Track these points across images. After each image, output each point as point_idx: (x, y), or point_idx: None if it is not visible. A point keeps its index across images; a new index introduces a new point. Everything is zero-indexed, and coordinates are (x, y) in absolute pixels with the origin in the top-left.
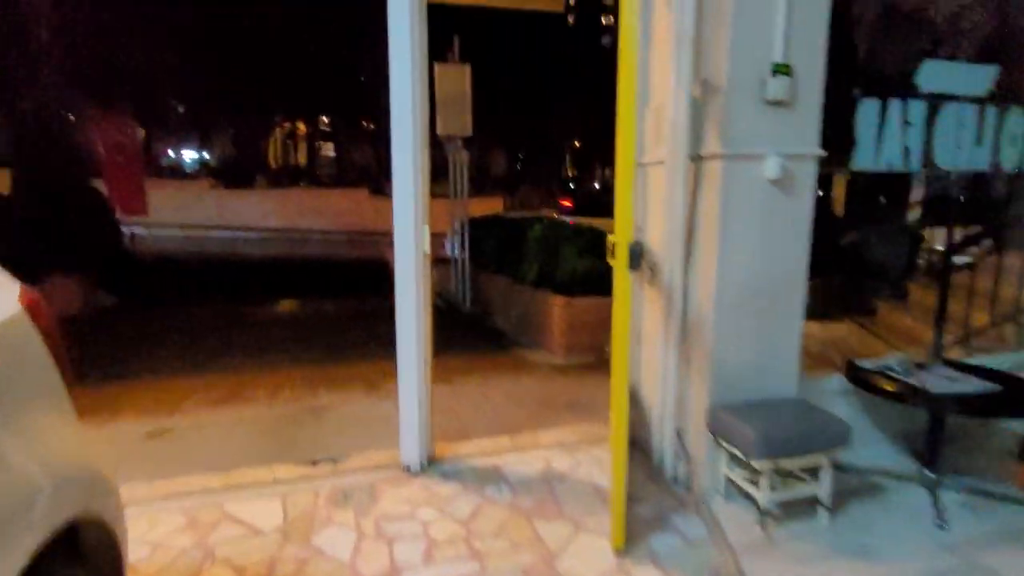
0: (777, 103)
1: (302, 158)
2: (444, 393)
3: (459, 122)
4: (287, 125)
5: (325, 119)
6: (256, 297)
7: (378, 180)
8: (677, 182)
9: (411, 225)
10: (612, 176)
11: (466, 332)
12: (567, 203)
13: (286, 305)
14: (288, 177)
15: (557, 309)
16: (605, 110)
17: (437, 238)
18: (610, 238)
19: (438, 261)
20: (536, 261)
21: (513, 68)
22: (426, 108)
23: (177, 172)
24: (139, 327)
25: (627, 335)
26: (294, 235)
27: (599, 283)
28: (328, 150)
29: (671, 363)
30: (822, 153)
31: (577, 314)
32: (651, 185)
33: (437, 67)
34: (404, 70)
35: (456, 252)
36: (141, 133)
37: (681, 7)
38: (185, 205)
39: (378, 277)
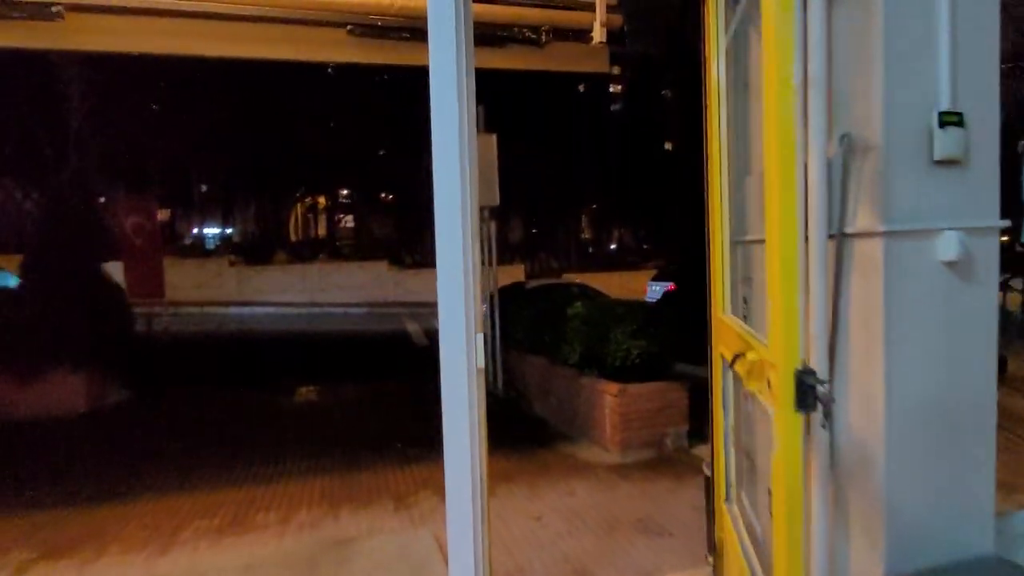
0: (948, 162)
1: (322, 231)
2: (489, 511)
3: (487, 192)
4: (307, 199)
5: (344, 192)
6: (273, 382)
7: (397, 251)
8: (816, 268)
9: (461, 336)
10: (629, 236)
11: (503, 422)
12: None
13: (304, 392)
14: (308, 250)
15: (609, 398)
16: (625, 171)
17: None
18: (750, 356)
19: None
20: (579, 341)
21: (527, 131)
22: (475, 185)
23: (197, 249)
24: (147, 427)
25: (799, 517)
26: (314, 310)
27: (656, 367)
28: (347, 222)
29: (818, 512)
30: (1004, 224)
31: (632, 403)
32: (755, 269)
33: None
34: (451, 139)
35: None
36: (161, 213)
37: (813, 47)
38: (205, 282)
39: (399, 352)
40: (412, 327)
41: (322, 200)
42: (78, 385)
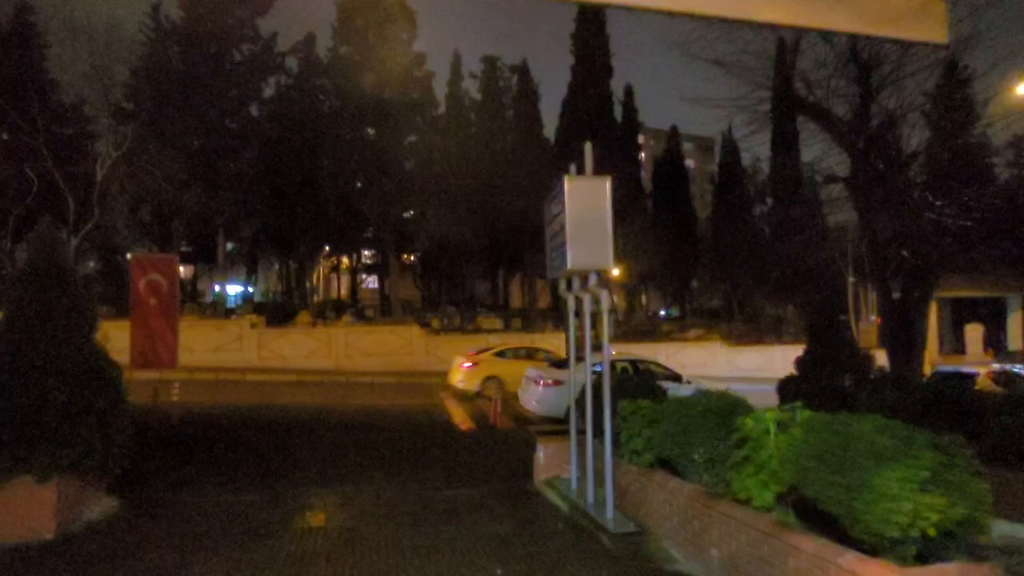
0: None
1: (344, 292)
2: None
3: (593, 251)
4: (332, 259)
5: (367, 252)
6: (290, 481)
7: (424, 315)
8: None
9: None
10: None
11: None
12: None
13: (329, 501)
14: (333, 311)
15: None
16: None
17: None
18: None
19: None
20: (780, 479)
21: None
22: None
23: (217, 309)
24: (127, 564)
25: None
26: (339, 378)
27: (954, 537)
28: (371, 283)
29: None
30: None
31: None
32: None
33: (567, 182)
34: None
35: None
36: (179, 270)
37: None
38: (223, 346)
39: (437, 438)
40: (451, 403)
41: (346, 260)
42: (44, 500)
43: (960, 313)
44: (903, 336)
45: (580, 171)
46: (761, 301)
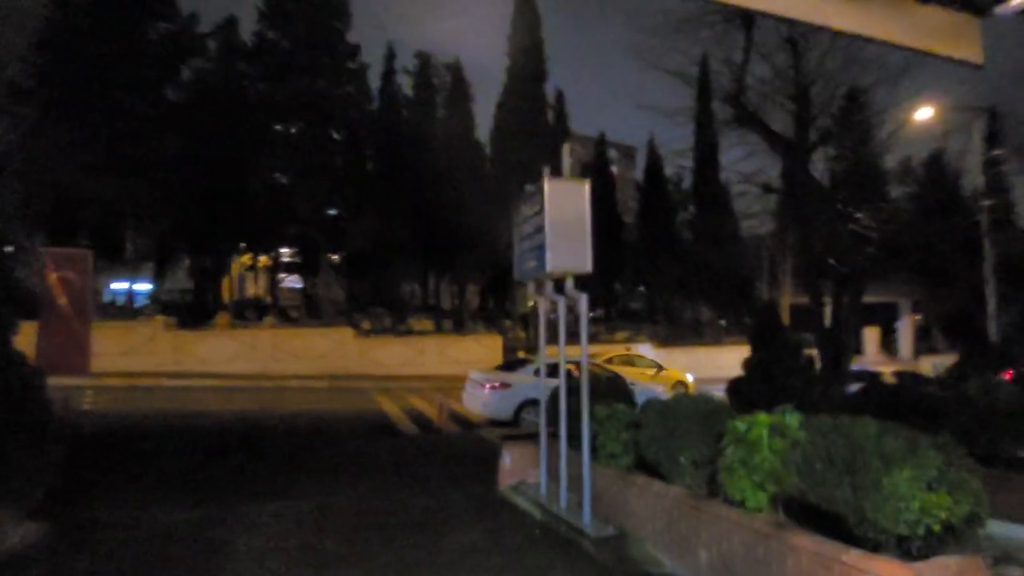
0: None
1: (260, 291)
2: None
3: (572, 254)
4: (247, 256)
5: (286, 250)
6: (235, 494)
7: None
8: None
9: None
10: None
11: None
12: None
13: (283, 515)
14: (254, 312)
15: None
16: None
17: None
18: None
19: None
20: (778, 480)
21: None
22: None
23: (125, 310)
24: None
25: None
26: (266, 383)
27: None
28: (291, 282)
29: None
30: None
31: None
32: None
33: (547, 183)
34: None
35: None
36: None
37: None
38: (133, 349)
39: (384, 443)
40: (390, 407)
41: (264, 258)
42: None
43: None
44: (834, 339)
45: (540, 175)
46: (682, 304)
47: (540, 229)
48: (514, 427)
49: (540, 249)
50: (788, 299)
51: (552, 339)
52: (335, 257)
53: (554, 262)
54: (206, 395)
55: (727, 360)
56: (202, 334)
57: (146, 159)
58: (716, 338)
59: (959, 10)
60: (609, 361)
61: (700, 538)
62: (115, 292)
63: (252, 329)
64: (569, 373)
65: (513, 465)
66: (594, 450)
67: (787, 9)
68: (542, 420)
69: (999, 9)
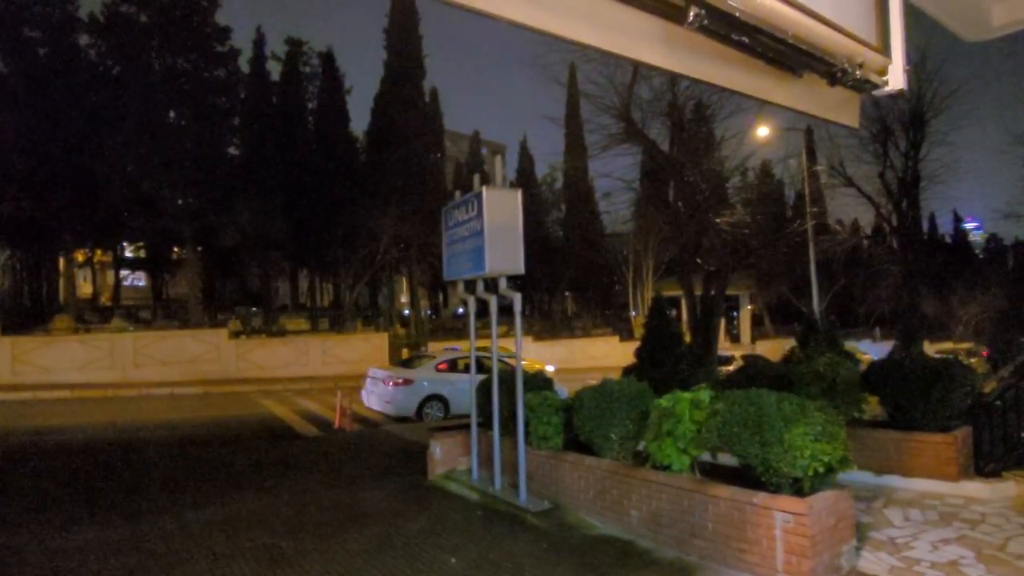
0: None
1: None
2: None
3: (506, 257)
4: (82, 252)
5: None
6: (141, 509)
7: (215, 316)
8: None
9: None
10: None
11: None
12: None
13: (217, 524)
14: (96, 314)
15: (785, 517)
16: None
17: None
18: None
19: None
20: (699, 442)
21: None
22: None
23: None
24: None
25: None
26: (128, 392)
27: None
28: (135, 280)
29: None
30: None
31: (818, 522)
32: None
33: (486, 192)
34: None
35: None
36: None
37: None
38: None
39: (293, 446)
40: (280, 410)
41: (100, 253)
42: None
43: None
44: (704, 326)
45: (485, 181)
46: (553, 299)
47: (476, 233)
48: (417, 422)
49: (477, 251)
50: (649, 293)
51: (453, 335)
52: (182, 253)
53: (492, 264)
54: (57, 409)
55: (597, 351)
56: (45, 339)
57: None
58: (586, 331)
59: (847, 88)
60: (452, 365)
61: (631, 500)
62: None
63: (107, 333)
64: (480, 362)
65: (443, 455)
66: (526, 434)
67: (673, 65)
68: (473, 411)
69: (876, 92)
